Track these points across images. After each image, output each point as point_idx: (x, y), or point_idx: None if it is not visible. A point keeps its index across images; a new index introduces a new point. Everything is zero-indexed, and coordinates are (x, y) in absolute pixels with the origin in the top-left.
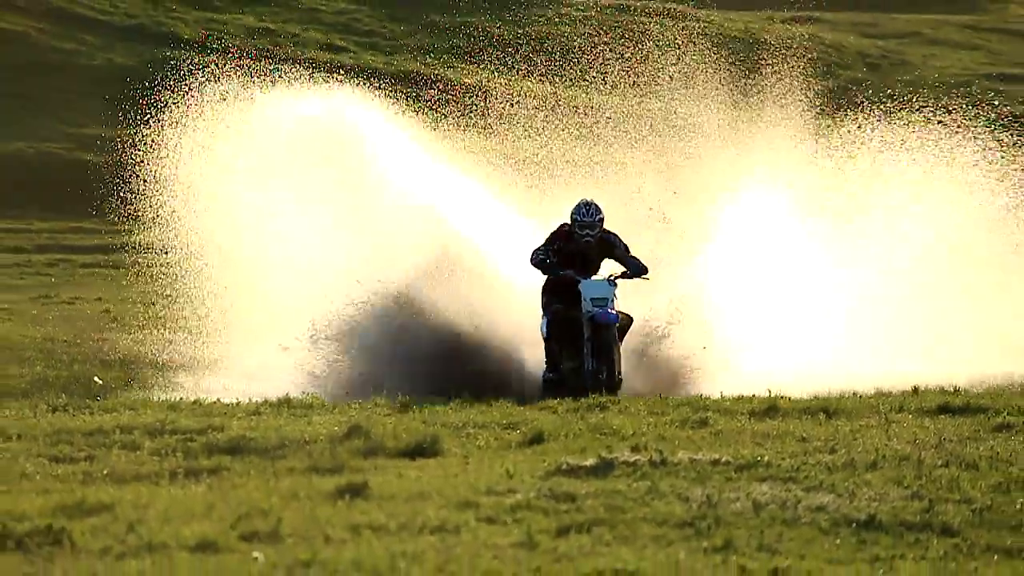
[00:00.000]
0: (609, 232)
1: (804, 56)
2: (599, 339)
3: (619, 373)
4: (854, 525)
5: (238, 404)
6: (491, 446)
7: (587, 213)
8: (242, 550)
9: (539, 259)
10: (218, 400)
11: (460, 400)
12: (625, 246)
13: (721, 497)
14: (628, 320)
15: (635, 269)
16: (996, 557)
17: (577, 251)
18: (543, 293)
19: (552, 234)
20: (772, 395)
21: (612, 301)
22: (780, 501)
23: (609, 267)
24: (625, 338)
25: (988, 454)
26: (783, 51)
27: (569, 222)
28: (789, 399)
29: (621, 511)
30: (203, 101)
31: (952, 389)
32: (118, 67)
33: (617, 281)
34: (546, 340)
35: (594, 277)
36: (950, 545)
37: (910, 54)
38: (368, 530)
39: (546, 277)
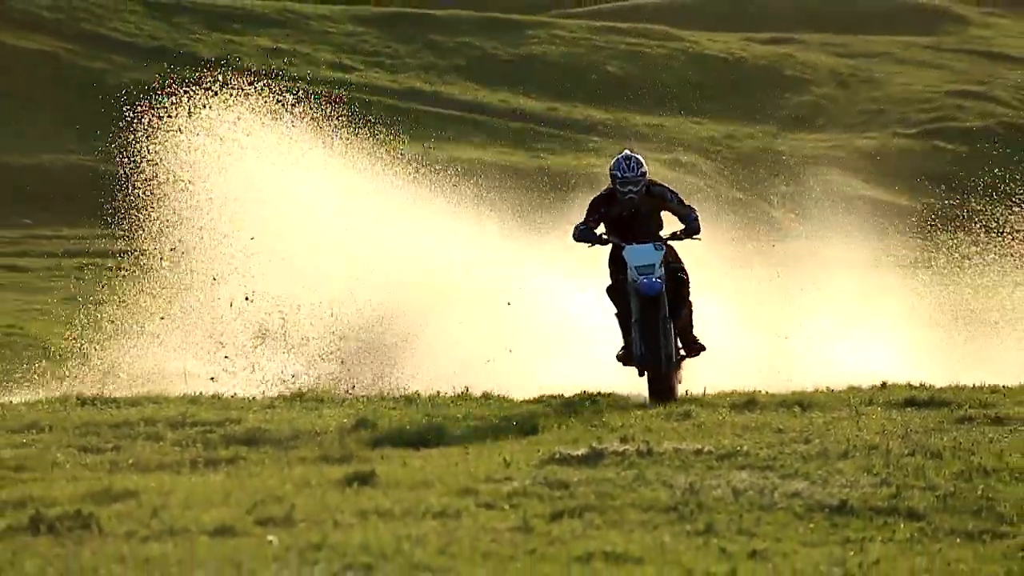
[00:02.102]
0: (655, 183)
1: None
2: (646, 323)
3: (673, 359)
4: (827, 510)
5: (253, 398)
6: (489, 437)
7: (628, 168)
8: (257, 534)
9: (579, 231)
10: (235, 394)
11: (460, 394)
12: (677, 196)
13: (703, 484)
14: (685, 280)
15: (689, 226)
16: (959, 540)
17: (625, 212)
18: (609, 265)
19: (592, 202)
20: (751, 390)
21: (659, 267)
22: (758, 488)
23: (672, 223)
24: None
25: (951, 444)
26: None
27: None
28: (767, 393)
29: (610, 497)
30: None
31: (918, 384)
32: (142, 85)
33: (667, 243)
34: (616, 315)
35: (639, 243)
36: (916, 529)
37: (878, 72)
38: (375, 515)
39: (610, 250)
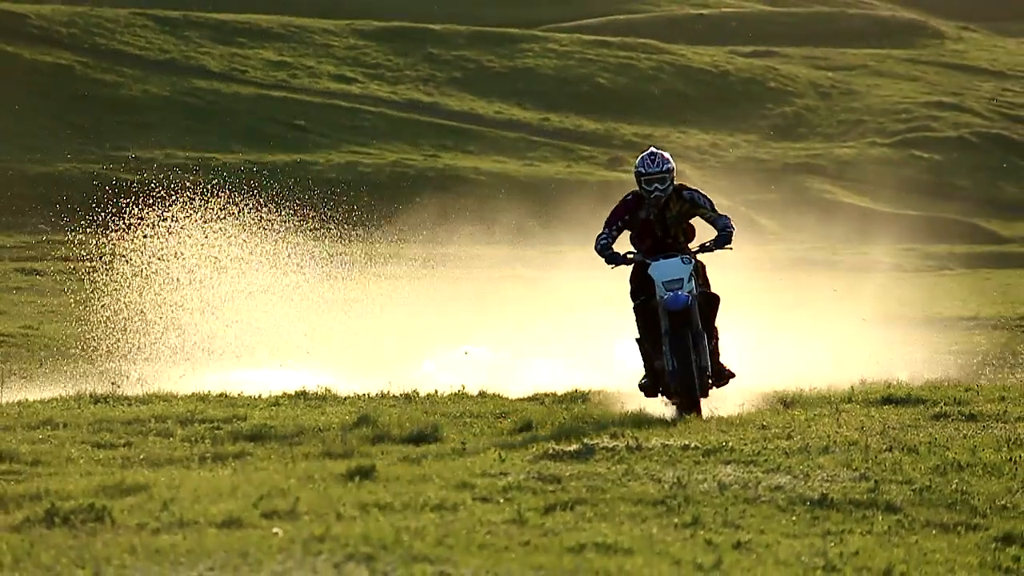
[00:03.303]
0: (686, 187)
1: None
2: (676, 336)
3: (707, 373)
4: (808, 503)
5: (259, 396)
6: (485, 433)
7: (652, 163)
8: (263, 526)
9: (601, 244)
10: (241, 393)
11: (457, 392)
12: (712, 204)
13: (690, 478)
14: (715, 299)
15: (720, 236)
16: (934, 532)
17: (652, 216)
18: (630, 283)
19: (616, 209)
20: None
21: (689, 281)
22: (743, 482)
23: (705, 230)
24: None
25: (927, 440)
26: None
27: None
28: (751, 391)
29: (601, 491)
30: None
31: (895, 382)
32: (152, 96)
33: (696, 256)
34: (637, 341)
35: (665, 258)
36: (893, 521)
37: (857, 84)
38: (375, 508)
39: (633, 266)
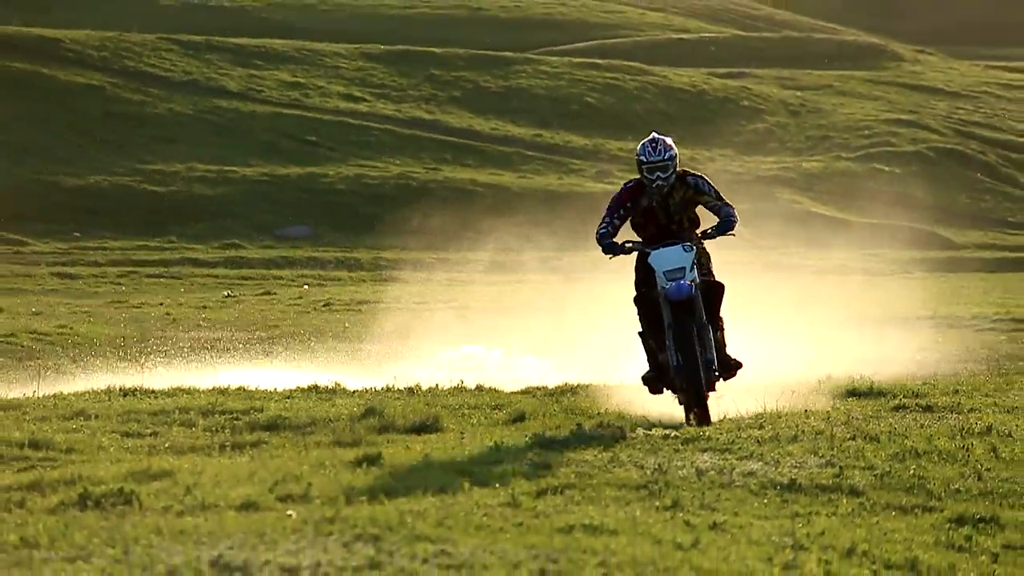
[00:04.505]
0: (690, 173)
1: None
2: (680, 327)
3: (713, 367)
4: (778, 487)
5: (275, 390)
6: (482, 423)
7: (654, 151)
8: (278, 509)
9: (600, 234)
10: (258, 387)
11: (456, 387)
12: (716, 191)
13: (670, 465)
14: (719, 288)
15: (722, 222)
16: (894, 513)
17: (655, 203)
18: (636, 272)
19: (618, 196)
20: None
21: (691, 270)
22: (718, 468)
23: (708, 220)
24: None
25: (887, 429)
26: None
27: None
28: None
29: (589, 476)
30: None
31: (858, 377)
32: (176, 114)
33: (697, 244)
34: (639, 334)
35: (665, 246)
36: (856, 503)
37: (823, 103)
38: (382, 493)
39: (636, 256)
